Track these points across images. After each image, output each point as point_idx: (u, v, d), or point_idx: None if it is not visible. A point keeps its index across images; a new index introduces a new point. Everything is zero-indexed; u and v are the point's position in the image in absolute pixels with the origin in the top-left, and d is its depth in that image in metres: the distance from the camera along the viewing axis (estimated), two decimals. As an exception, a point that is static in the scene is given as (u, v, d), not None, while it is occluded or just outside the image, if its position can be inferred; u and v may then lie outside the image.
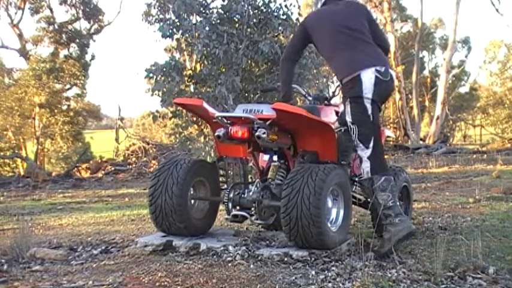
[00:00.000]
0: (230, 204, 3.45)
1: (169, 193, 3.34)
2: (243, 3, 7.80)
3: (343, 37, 3.48)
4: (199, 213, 3.58)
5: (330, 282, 2.69)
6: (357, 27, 3.52)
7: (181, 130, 8.83)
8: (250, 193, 3.41)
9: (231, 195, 3.46)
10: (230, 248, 3.24)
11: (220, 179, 3.68)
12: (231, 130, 3.29)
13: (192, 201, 3.55)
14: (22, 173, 14.89)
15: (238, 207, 3.45)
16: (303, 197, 3.03)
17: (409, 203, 4.25)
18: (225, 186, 3.65)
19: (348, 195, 3.40)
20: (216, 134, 3.33)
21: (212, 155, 7.76)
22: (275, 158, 3.64)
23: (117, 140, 18.45)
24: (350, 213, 3.47)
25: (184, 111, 7.71)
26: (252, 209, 3.41)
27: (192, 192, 3.52)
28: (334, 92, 4.09)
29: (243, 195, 3.44)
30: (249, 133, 3.24)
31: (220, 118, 3.38)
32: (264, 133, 3.20)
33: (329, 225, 3.21)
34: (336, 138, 3.54)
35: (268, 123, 3.29)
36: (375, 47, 3.54)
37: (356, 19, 3.56)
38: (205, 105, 3.50)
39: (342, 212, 3.35)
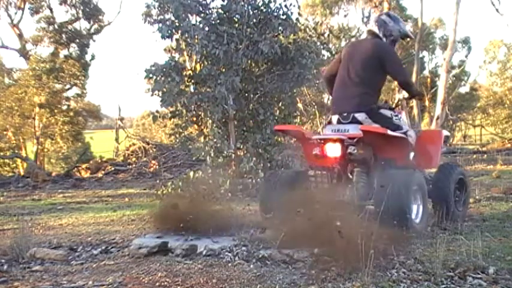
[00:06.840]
0: None
1: None
2: (242, 3, 7.79)
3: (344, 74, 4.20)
4: None
5: (330, 282, 2.69)
6: (357, 67, 4.11)
7: (181, 130, 8.82)
8: None
9: None
10: (230, 248, 3.24)
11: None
12: (327, 149, 3.96)
13: None
14: (22, 173, 14.86)
15: None
16: (392, 196, 3.52)
17: (466, 192, 4.75)
18: None
19: (425, 193, 3.99)
20: (314, 152, 4.04)
21: (212, 155, 7.75)
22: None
23: (117, 140, 18.44)
24: (427, 208, 4.08)
25: (184, 110, 7.92)
26: None
27: None
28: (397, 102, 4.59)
29: None
30: (343, 151, 3.91)
31: (317, 141, 4.03)
32: (354, 150, 3.91)
33: (413, 217, 3.76)
34: (409, 147, 4.17)
35: (355, 141, 3.93)
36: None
37: (361, 59, 4.11)
38: (302, 130, 4.42)
39: (421, 208, 3.95)
